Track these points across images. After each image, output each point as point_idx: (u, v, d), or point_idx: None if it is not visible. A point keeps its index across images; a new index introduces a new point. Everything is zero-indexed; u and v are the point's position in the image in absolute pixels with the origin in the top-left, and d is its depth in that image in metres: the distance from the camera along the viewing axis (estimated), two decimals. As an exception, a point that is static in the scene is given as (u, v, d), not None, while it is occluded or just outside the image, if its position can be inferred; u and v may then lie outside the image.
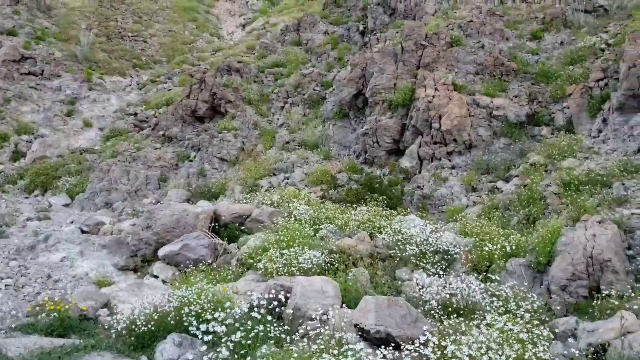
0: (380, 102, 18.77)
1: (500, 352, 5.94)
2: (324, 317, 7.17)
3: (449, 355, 5.55)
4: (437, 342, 5.75)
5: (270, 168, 18.93)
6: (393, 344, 6.05)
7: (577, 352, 7.00)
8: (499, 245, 10.28)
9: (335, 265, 9.77)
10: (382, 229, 11.44)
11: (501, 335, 6.44)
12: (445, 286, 8.45)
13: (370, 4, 28.89)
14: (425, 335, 5.84)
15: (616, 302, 8.31)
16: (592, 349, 7.10)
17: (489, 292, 8.51)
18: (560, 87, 17.57)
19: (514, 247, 10.16)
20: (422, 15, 25.64)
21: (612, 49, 17.81)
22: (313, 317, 7.11)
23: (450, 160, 16.55)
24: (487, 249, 10.22)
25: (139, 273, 11.87)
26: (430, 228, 11.10)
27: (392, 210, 13.17)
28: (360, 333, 6.34)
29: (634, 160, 12.52)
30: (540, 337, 6.97)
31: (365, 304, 6.54)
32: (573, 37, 20.40)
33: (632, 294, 8.85)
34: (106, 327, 7.69)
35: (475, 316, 7.54)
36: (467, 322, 6.94)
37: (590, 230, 9.93)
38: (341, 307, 7.37)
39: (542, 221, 12.18)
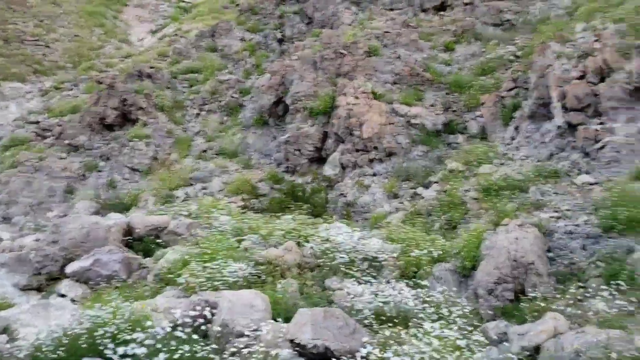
0: (301, 109, 18.55)
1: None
2: (255, 333, 6.72)
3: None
4: (378, 355, 5.45)
5: (186, 178, 18.13)
6: (334, 359, 5.70)
7: (513, 356, 6.99)
8: (425, 251, 10.25)
9: (263, 278, 9.30)
10: (308, 238, 11.11)
11: (441, 343, 6.27)
12: (377, 294, 8.24)
13: (287, 12, 28.74)
14: (365, 347, 5.53)
15: (542, 304, 8.45)
16: (526, 352, 7.12)
17: (420, 299, 8.38)
18: (474, 97, 18.16)
19: (441, 253, 10.15)
20: (339, 24, 25.78)
21: (520, 61, 18.68)
22: (244, 333, 6.64)
23: (371, 168, 16.58)
24: (414, 254, 10.14)
25: (43, 292, 10.77)
26: (357, 235, 10.90)
27: (317, 219, 12.88)
28: (296, 349, 5.93)
29: (547, 165, 13.04)
30: (476, 343, 6.90)
31: (300, 317, 6.14)
32: (483, 49, 21.22)
33: (557, 296, 9.08)
34: (6, 355, 6.76)
35: (410, 324, 7.37)
36: (405, 331, 6.73)
37: (513, 234, 10.12)
38: (272, 321, 6.93)
39: (463, 226, 12.37)
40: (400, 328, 7.10)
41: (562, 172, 12.71)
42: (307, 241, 11.01)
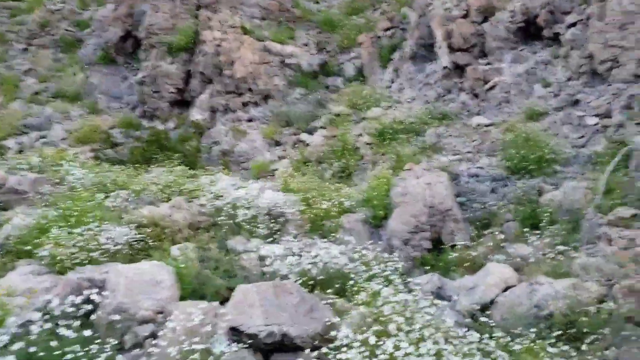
0: (157, 45, 16.04)
1: (419, 332, 4.68)
2: (166, 318, 5.10)
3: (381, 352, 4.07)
4: (358, 338, 4.20)
5: (18, 125, 14.83)
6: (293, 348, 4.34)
7: (465, 312, 6.24)
8: (335, 201, 9.15)
9: (149, 243, 7.49)
10: (193, 193, 9.38)
11: (404, 307, 5.21)
12: (301, 255, 6.95)
13: None
14: (340, 331, 4.26)
15: (474, 253, 7.87)
16: (476, 307, 6.41)
17: (347, 256, 7.27)
18: (348, 37, 17.20)
19: (353, 203, 9.13)
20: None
21: (388, 0, 18.02)
22: (153, 319, 5.00)
23: (247, 112, 14.93)
24: (324, 206, 8.99)
25: None
26: (253, 188, 9.42)
27: (198, 171, 11.09)
28: (238, 337, 4.43)
29: (437, 107, 12.58)
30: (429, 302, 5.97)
31: (242, 296, 4.63)
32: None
33: (474, 242, 8.60)
34: None
35: (351, 284, 6.25)
36: (353, 296, 5.58)
37: (424, 179, 9.42)
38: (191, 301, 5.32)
39: (360, 173, 11.50)
40: (349, 294, 5.97)
41: (452, 114, 12.34)
42: (192, 197, 9.30)
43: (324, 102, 14.71)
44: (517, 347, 4.89)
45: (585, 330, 5.41)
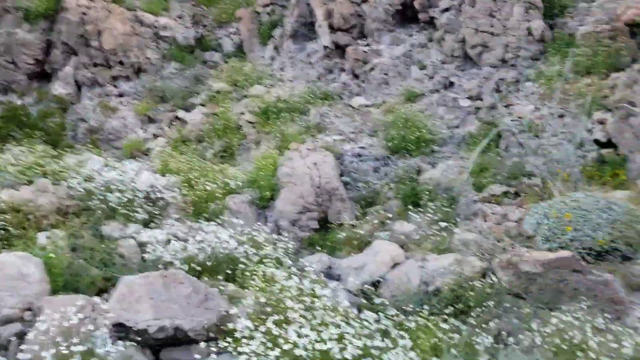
0: (12, 10, 14.27)
1: (318, 317, 4.58)
2: (32, 316, 4.56)
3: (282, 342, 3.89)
4: (260, 327, 3.98)
5: None
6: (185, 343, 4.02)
7: (356, 291, 6.26)
8: (220, 183, 8.78)
9: (11, 231, 6.65)
10: (58, 175, 8.48)
11: (300, 292, 5.08)
12: (187, 240, 6.56)
13: None
14: (238, 322, 4.01)
15: (360, 232, 7.95)
16: (367, 286, 6.45)
17: (235, 239, 6.99)
18: (225, 11, 16.57)
19: (239, 183, 8.82)
20: None
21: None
22: (22, 319, 4.44)
23: (116, 87, 13.84)
24: (208, 188, 8.58)
25: None
26: (131, 168, 8.74)
27: (57, 150, 10.05)
28: (125, 334, 4.01)
29: (319, 87, 12.56)
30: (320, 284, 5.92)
31: (127, 290, 4.18)
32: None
33: (360, 221, 8.71)
34: None
35: (242, 269, 5.99)
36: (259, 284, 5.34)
37: (310, 159, 9.36)
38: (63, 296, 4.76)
39: (243, 152, 11.18)
40: (241, 279, 5.72)
41: (335, 94, 12.39)
42: (59, 179, 8.40)
43: (202, 78, 14.06)
44: (412, 325, 4.96)
45: (471, 304, 5.66)
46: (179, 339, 4.05)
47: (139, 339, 3.94)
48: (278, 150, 10.28)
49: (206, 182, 8.66)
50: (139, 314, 4.00)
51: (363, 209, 9.04)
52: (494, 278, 6.27)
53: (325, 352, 3.89)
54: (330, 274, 6.97)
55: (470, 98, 10.71)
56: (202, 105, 12.76)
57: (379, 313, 4.96)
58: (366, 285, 6.44)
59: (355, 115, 11.44)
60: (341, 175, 9.66)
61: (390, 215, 8.55)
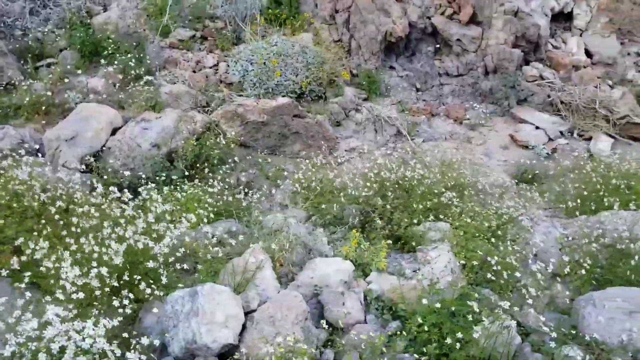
0: None
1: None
2: None
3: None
4: None
5: None
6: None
7: (76, 166, 5.37)
8: None
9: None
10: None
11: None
12: None
13: None
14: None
15: (40, 92, 6.59)
16: (89, 160, 5.60)
17: None
18: None
19: None
20: None
21: None
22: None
23: None
24: None
25: None
26: None
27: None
28: None
29: None
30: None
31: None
32: None
33: (33, 79, 7.19)
34: None
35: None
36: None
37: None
38: None
39: None
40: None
41: None
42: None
43: None
44: (178, 196, 4.66)
45: (215, 162, 5.59)
46: None
47: None
48: None
49: None
50: None
51: (32, 63, 7.45)
52: (218, 130, 6.29)
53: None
54: (30, 151, 5.77)
55: None
56: None
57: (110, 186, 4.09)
58: (88, 157, 5.62)
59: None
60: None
61: (69, 69, 7.34)
